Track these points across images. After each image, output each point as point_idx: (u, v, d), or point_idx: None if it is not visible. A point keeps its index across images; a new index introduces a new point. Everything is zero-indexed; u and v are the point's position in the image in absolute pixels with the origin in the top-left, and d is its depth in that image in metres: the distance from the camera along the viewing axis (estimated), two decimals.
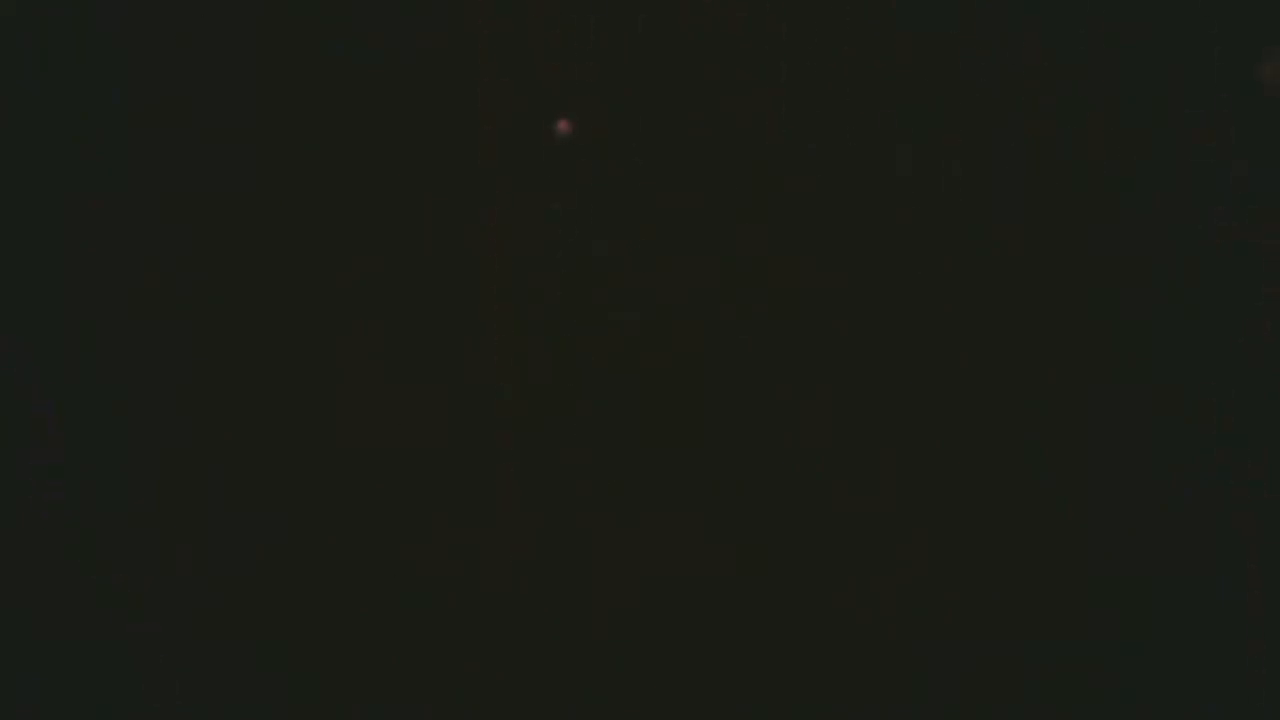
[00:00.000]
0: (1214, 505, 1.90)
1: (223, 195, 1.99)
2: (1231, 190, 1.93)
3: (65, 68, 1.93)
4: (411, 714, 1.90)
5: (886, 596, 1.97)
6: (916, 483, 2.02)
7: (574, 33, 2.08)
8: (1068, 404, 1.98)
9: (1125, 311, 1.97)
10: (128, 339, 1.94)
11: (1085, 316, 1.99)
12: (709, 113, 2.09)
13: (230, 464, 1.97)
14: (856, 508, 2.01)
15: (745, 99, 2.07)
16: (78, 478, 1.90)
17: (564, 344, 2.08)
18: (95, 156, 1.93)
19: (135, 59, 1.94)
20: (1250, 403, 1.90)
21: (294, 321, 2.03)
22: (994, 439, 2.01)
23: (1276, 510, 1.87)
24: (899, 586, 1.98)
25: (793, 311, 2.06)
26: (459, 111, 2.06)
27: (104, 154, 1.93)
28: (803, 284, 2.07)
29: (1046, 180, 2.00)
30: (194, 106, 1.96)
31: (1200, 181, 1.94)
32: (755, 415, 2.05)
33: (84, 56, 1.90)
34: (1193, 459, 1.92)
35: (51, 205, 1.90)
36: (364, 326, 2.04)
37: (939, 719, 1.90)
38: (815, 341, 2.06)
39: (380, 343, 2.04)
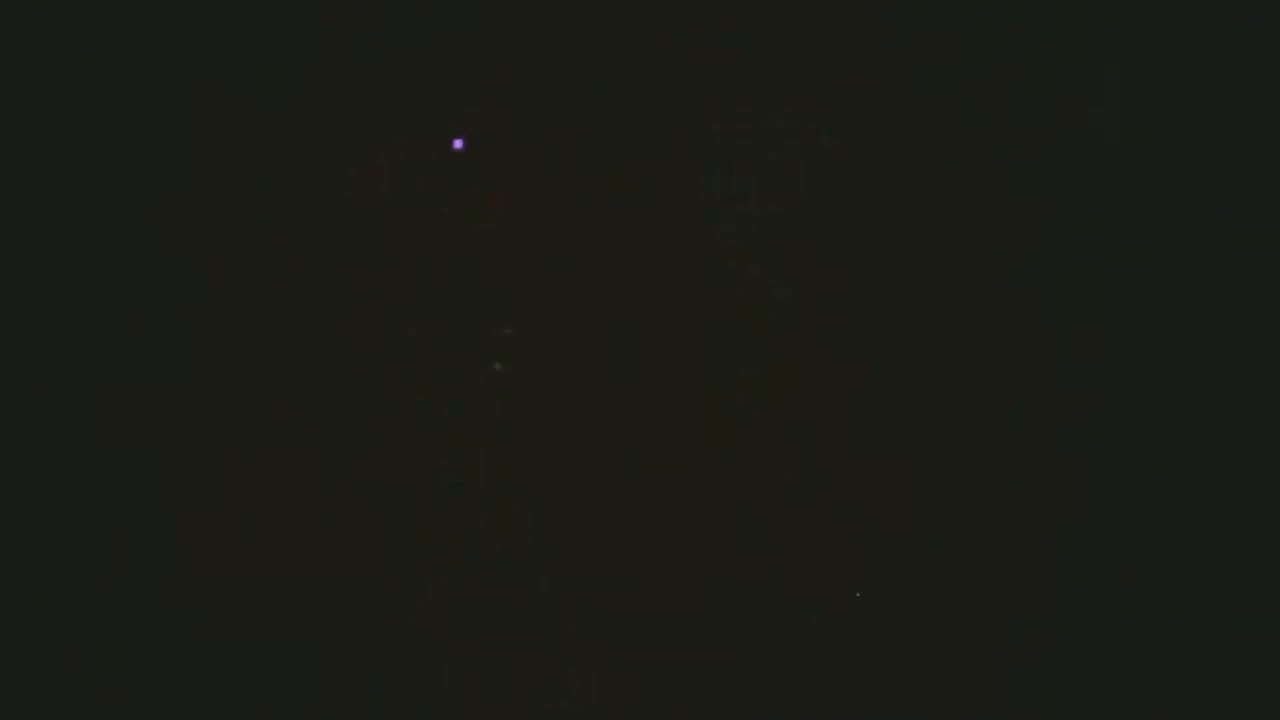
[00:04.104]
0: (1214, 505, 1.90)
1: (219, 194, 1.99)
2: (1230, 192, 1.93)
3: (65, 67, 1.92)
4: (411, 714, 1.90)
5: (880, 597, 1.98)
6: (912, 484, 2.02)
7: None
8: (1062, 403, 1.98)
9: (1121, 311, 1.97)
10: (128, 339, 1.94)
11: (1081, 316, 1.99)
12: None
13: (231, 461, 1.97)
14: (851, 507, 2.02)
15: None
16: (75, 476, 1.90)
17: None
18: (95, 156, 1.92)
19: (135, 58, 1.93)
20: (1250, 402, 1.90)
21: (294, 321, 2.02)
22: (988, 439, 2.02)
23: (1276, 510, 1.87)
24: (893, 587, 1.98)
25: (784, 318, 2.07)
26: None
27: (104, 154, 1.93)
28: (796, 283, 2.07)
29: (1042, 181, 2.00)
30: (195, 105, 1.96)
31: (1198, 182, 1.94)
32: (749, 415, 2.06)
33: (84, 56, 1.90)
34: (1192, 459, 1.92)
35: (51, 205, 1.90)
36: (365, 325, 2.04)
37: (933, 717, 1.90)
38: (811, 341, 2.07)
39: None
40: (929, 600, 1.94)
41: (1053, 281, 1.99)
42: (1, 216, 1.88)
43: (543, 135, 2.09)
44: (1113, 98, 1.97)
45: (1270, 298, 1.87)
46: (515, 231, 2.09)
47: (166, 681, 1.85)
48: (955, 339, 2.01)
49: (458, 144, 1.88)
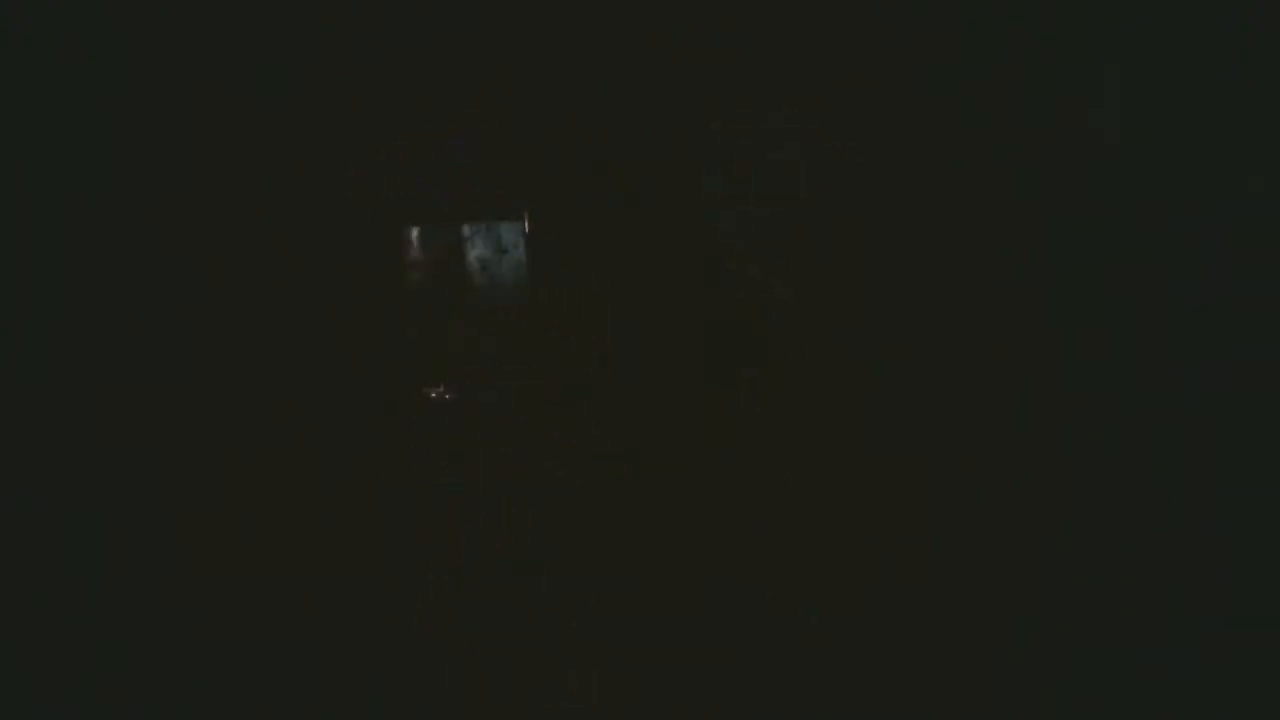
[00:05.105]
0: (1214, 505, 1.90)
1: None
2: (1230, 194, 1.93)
3: (65, 67, 1.92)
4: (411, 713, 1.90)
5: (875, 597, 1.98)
6: (904, 486, 2.02)
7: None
8: (1056, 404, 1.98)
9: (1119, 312, 1.97)
10: (128, 339, 1.94)
11: (1078, 317, 1.98)
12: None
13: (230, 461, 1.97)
14: (842, 510, 2.02)
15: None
16: (73, 476, 1.90)
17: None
18: (95, 156, 1.92)
19: (135, 58, 1.93)
20: (1250, 402, 1.89)
21: (294, 321, 2.02)
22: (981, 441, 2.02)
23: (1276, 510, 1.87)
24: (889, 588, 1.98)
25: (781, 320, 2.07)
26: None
27: (104, 154, 1.93)
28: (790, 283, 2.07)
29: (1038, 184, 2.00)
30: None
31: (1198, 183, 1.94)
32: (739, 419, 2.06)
33: (84, 56, 1.90)
34: (1191, 459, 1.92)
35: (51, 205, 1.90)
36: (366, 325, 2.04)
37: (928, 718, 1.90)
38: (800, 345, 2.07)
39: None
40: (929, 600, 1.94)
41: (1053, 281, 1.99)
42: (1, 216, 1.88)
43: (543, 135, 2.09)
44: (1113, 98, 1.97)
45: (1270, 298, 1.87)
46: (516, 233, 2.09)
47: (166, 681, 1.85)
48: (955, 339, 2.01)
49: None
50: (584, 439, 2.06)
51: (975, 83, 2.02)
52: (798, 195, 2.09)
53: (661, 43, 2.08)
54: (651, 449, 2.05)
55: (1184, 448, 1.89)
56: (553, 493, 2.03)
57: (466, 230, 2.01)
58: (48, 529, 1.87)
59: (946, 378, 2.01)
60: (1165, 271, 1.93)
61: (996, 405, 1.99)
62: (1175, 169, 1.94)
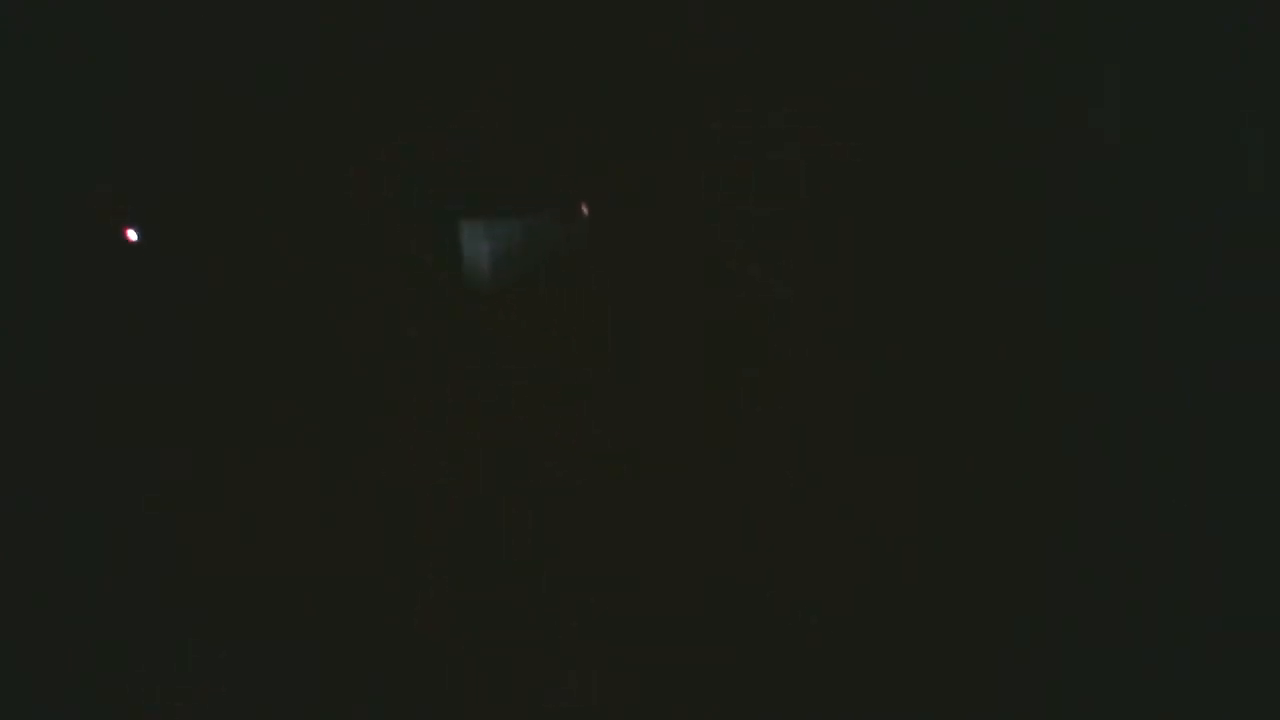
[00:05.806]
0: (1214, 506, 1.90)
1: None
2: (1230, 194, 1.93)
3: (65, 67, 1.92)
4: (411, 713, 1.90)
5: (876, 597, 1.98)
6: (904, 486, 2.02)
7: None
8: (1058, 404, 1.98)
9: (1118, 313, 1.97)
10: (128, 339, 1.94)
11: (1079, 317, 1.99)
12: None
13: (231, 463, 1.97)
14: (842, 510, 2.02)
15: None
16: (74, 476, 1.90)
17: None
18: (95, 156, 1.93)
19: (135, 58, 1.94)
20: (1250, 402, 1.90)
21: (294, 321, 2.02)
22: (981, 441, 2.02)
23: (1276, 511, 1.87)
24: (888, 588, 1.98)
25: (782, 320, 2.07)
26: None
27: (104, 154, 1.93)
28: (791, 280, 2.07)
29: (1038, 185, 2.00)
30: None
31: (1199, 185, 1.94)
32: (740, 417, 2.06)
33: (84, 56, 1.90)
34: (1189, 458, 1.92)
35: (51, 205, 1.90)
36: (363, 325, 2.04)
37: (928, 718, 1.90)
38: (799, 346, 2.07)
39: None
40: (929, 600, 1.94)
41: (1053, 281, 1.99)
42: (1, 216, 1.88)
43: (543, 135, 2.09)
44: (1113, 98, 1.97)
45: (1270, 298, 1.87)
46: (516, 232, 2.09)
47: (166, 681, 1.85)
48: (955, 339, 2.01)
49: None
50: (584, 439, 2.06)
51: (975, 83, 2.02)
52: (798, 195, 2.09)
53: (661, 43, 2.08)
54: (651, 449, 2.05)
55: (1184, 448, 1.89)
56: (553, 493, 2.03)
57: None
58: (48, 529, 1.87)
59: (946, 378, 2.01)
60: (1165, 271, 1.94)
61: (996, 405, 1.99)
62: (1175, 169, 1.94)
